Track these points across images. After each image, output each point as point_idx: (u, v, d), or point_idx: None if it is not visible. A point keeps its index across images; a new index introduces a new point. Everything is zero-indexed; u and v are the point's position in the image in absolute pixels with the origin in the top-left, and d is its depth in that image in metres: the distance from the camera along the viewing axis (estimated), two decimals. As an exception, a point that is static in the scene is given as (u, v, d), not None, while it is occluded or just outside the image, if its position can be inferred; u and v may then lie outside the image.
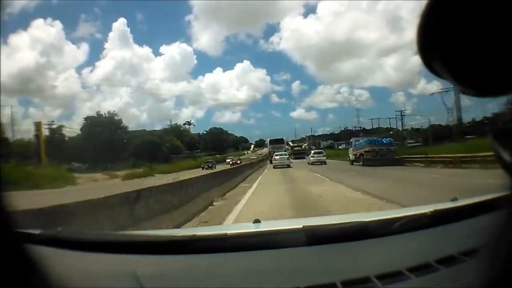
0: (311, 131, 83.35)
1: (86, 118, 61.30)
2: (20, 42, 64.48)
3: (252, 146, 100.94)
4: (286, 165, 27.19)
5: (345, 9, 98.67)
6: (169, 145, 59.70)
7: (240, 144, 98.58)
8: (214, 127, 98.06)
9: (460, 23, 0.43)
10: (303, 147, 61.13)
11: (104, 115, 60.99)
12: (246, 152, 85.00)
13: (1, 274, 0.54)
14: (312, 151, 36.05)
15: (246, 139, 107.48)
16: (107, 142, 52.97)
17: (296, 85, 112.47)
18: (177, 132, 71.86)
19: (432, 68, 0.48)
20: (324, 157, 31.63)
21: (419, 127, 64.07)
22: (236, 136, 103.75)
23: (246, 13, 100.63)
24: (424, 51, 0.47)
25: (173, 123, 78.10)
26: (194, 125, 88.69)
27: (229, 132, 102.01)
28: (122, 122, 62.14)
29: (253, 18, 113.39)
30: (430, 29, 0.45)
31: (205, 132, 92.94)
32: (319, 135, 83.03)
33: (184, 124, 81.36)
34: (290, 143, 59.06)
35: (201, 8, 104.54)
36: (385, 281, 0.89)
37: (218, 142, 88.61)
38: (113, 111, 63.85)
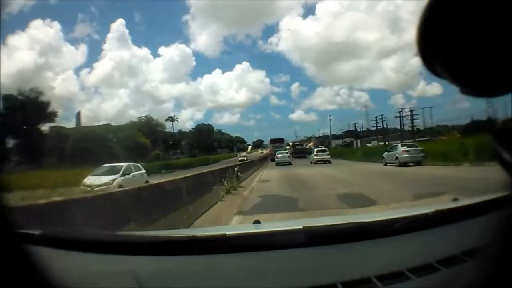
0: (329, 124, 75.78)
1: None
2: (18, 42, 61.56)
3: (250, 147, 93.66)
4: (287, 162, 28.39)
5: (344, 10, 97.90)
6: (125, 143, 38.43)
7: (235, 144, 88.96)
8: (202, 123, 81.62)
9: (460, 23, 0.43)
10: (307, 146, 56.31)
11: (24, 93, 37.53)
12: (238, 154, 72.05)
13: (0, 274, 0.53)
14: (315, 149, 32.05)
15: (243, 139, 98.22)
16: (19, 133, 34.12)
17: (295, 87, 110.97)
18: (147, 127, 52.84)
19: (432, 68, 0.48)
20: (329, 156, 28.73)
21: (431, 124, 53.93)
22: (231, 136, 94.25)
23: (244, 14, 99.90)
24: (424, 51, 0.47)
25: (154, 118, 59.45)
26: (177, 121, 70.95)
27: (223, 131, 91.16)
28: (50, 106, 38.88)
29: (251, 19, 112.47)
30: (430, 29, 0.45)
31: (192, 130, 76.42)
32: (320, 136, 75.98)
33: (166, 120, 64.81)
34: (290, 143, 57.58)
35: (200, 9, 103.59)
36: (386, 282, 0.88)
37: (207, 142, 74.63)
38: (37, 88, 39.71)
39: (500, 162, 0.45)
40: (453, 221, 1.27)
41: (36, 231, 1.12)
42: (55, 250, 1.05)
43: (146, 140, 46.39)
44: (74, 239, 1.18)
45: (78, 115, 46.18)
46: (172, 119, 67.35)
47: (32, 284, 0.58)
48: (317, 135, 77.70)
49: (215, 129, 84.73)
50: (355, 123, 66.44)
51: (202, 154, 63.21)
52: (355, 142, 57.73)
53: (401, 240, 1.19)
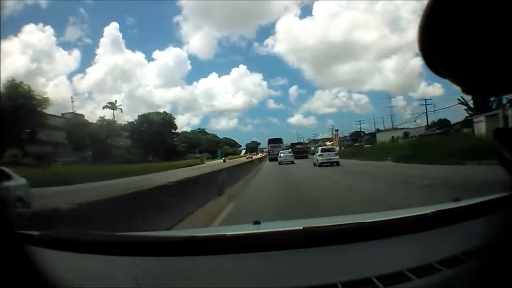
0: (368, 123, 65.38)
1: None
2: (10, 47, 59.57)
3: (243, 151, 77.58)
4: (290, 161, 28.47)
5: (342, 9, 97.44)
6: None
7: (221, 147, 70.14)
8: (156, 112, 53.20)
9: (462, 23, 0.43)
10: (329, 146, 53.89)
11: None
12: (201, 159, 52.94)
13: (0, 275, 0.52)
14: (319, 149, 25.33)
15: (235, 141, 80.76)
16: None
17: (293, 90, 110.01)
18: (20, 106, 29.49)
19: (434, 67, 0.48)
20: (337, 156, 22.94)
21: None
22: (217, 137, 76.05)
23: (238, 15, 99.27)
24: (426, 51, 0.47)
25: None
26: (121, 110, 48.26)
27: (206, 130, 74.35)
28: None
29: (245, 19, 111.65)
30: (432, 29, 0.45)
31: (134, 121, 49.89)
32: (318, 140, 68.24)
33: (103, 108, 43.82)
34: (290, 144, 56.87)
35: (193, 10, 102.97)
36: (386, 282, 0.88)
37: (165, 141, 48.98)
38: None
39: (502, 162, 0.45)
40: (454, 222, 1.27)
41: (36, 232, 1.12)
42: (54, 251, 1.05)
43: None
44: (73, 240, 1.18)
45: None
46: (113, 106, 43.34)
47: (32, 286, 0.58)
48: (338, 133, 65.30)
49: (175, 122, 57.04)
50: (468, 106, 34.06)
51: (159, 159, 42.40)
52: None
53: (402, 241, 1.19)
